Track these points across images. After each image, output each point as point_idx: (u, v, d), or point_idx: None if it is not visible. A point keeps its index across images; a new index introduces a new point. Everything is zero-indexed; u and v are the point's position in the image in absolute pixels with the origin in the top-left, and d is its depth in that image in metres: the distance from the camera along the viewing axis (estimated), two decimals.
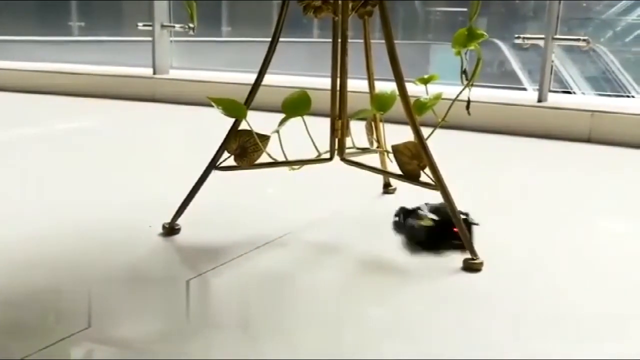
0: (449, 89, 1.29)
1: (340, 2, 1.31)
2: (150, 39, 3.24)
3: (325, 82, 1.38)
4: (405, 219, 1.29)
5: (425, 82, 1.33)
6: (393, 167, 1.31)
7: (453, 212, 1.17)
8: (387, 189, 1.61)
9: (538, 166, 2.00)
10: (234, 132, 1.26)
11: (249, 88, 1.27)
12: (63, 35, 5.54)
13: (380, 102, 1.37)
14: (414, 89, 1.27)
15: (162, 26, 3.25)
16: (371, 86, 1.46)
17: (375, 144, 1.50)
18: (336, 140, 1.35)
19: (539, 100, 2.53)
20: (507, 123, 2.47)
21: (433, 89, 1.31)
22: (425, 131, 1.21)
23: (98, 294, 1.04)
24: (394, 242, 1.29)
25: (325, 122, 1.34)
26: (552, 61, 2.57)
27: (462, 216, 1.19)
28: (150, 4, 3.22)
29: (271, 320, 0.96)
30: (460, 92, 1.21)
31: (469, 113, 1.24)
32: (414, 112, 1.21)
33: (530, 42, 2.66)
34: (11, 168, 1.85)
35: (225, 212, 1.44)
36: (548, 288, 1.09)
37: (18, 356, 0.83)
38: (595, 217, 1.49)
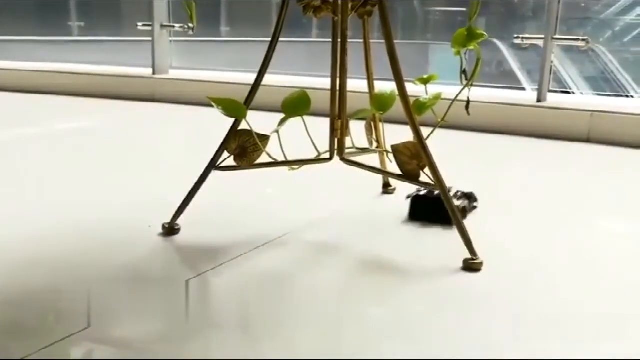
0: (449, 89, 1.29)
1: (340, 2, 1.31)
2: (149, 39, 3.24)
3: (325, 82, 1.38)
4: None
5: (425, 82, 1.33)
6: (393, 167, 1.31)
7: (453, 212, 1.17)
8: (387, 189, 1.61)
9: (537, 166, 2.00)
10: (233, 132, 1.26)
11: (248, 88, 1.27)
12: (62, 35, 5.54)
13: (380, 102, 1.37)
14: (414, 89, 1.27)
15: (162, 26, 3.25)
16: (371, 86, 1.46)
17: (374, 144, 1.50)
18: (336, 140, 1.35)
19: (538, 100, 2.53)
20: (506, 123, 2.47)
21: (433, 89, 1.31)
22: (424, 131, 1.21)
23: (98, 294, 1.04)
24: (394, 242, 1.29)
25: (325, 122, 1.34)
26: (552, 61, 2.57)
27: (467, 196, 1.40)
28: (150, 4, 3.22)
29: (271, 320, 0.96)
30: (460, 92, 1.22)
31: (468, 113, 1.24)
32: (414, 112, 1.21)
33: (529, 42, 2.66)
34: (11, 168, 1.85)
35: (225, 212, 1.45)
36: (548, 288, 1.09)
37: (18, 356, 0.83)
38: (594, 217, 1.49)
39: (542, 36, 2.55)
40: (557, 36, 2.54)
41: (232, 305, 1.02)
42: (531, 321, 0.96)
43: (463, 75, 1.22)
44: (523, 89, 4.59)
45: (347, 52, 1.32)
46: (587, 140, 2.36)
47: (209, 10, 6.09)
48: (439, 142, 1.27)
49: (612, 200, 1.63)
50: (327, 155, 1.36)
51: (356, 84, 1.47)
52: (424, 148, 1.19)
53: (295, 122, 1.27)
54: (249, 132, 1.26)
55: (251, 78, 1.28)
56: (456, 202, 1.34)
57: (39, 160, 1.94)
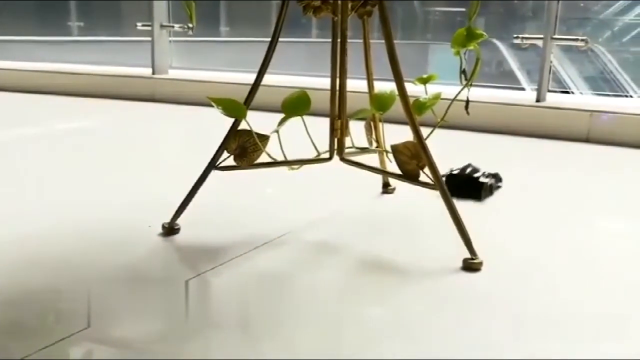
0: (448, 89, 1.29)
1: (339, 2, 1.31)
2: (149, 39, 3.24)
3: (325, 82, 1.38)
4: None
5: (425, 81, 1.33)
6: (392, 166, 1.31)
7: (453, 212, 1.17)
8: (387, 188, 1.61)
9: (537, 166, 2.00)
10: (233, 131, 1.26)
11: (248, 88, 1.27)
12: (62, 35, 5.54)
13: (380, 102, 1.37)
14: (413, 89, 1.27)
15: (161, 26, 3.25)
16: (370, 86, 1.46)
17: (374, 144, 1.50)
18: (335, 140, 1.35)
19: (538, 100, 2.53)
20: (505, 123, 2.47)
21: (432, 89, 1.31)
22: (424, 131, 1.21)
23: (98, 294, 1.04)
24: (394, 242, 1.29)
25: (325, 122, 1.34)
26: (551, 61, 2.57)
27: (492, 175, 1.62)
28: (149, 4, 3.22)
29: (271, 320, 0.96)
30: (460, 92, 1.22)
31: (467, 113, 1.24)
32: (413, 112, 1.21)
33: (528, 42, 2.66)
34: (11, 168, 1.85)
35: (224, 212, 1.45)
36: (548, 288, 1.09)
37: (18, 356, 0.83)
38: (594, 217, 1.49)
39: (542, 36, 2.55)
40: (556, 36, 2.54)
41: (232, 305, 1.02)
42: (531, 321, 0.96)
43: (462, 75, 1.22)
44: (522, 89, 4.59)
45: (347, 52, 1.33)
46: (587, 140, 2.36)
47: (208, 10, 6.09)
48: (438, 142, 1.27)
49: (612, 200, 1.63)
50: (327, 155, 1.36)
51: (356, 84, 1.47)
52: (424, 148, 1.19)
53: (295, 122, 1.27)
54: (248, 132, 1.26)
55: (251, 78, 1.28)
56: (484, 180, 1.57)
57: (39, 160, 1.94)
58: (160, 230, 1.29)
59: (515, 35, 2.69)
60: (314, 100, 1.29)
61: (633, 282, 1.12)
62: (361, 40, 1.43)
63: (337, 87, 1.34)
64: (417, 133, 1.19)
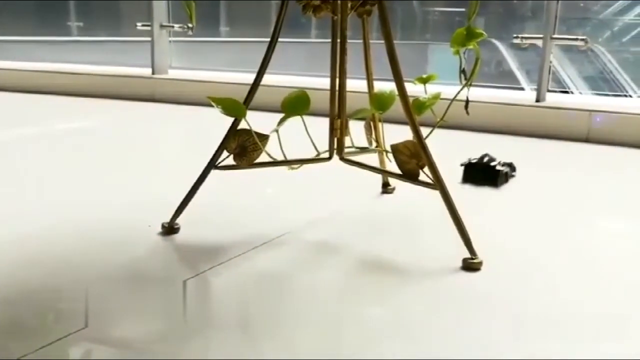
0: (448, 89, 1.29)
1: (339, 1, 1.31)
2: (149, 39, 3.24)
3: (325, 82, 1.38)
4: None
5: (424, 81, 1.33)
6: (392, 166, 1.31)
7: (453, 212, 1.17)
8: (386, 188, 1.61)
9: (537, 166, 2.00)
10: (233, 131, 1.26)
11: (248, 88, 1.27)
12: (62, 35, 5.54)
13: (379, 102, 1.37)
14: (413, 89, 1.27)
15: (161, 26, 3.25)
16: (370, 86, 1.46)
17: (374, 144, 1.50)
18: (335, 139, 1.35)
19: (537, 100, 2.53)
20: (505, 123, 2.47)
21: (432, 88, 1.31)
22: (424, 131, 1.21)
23: (97, 294, 1.04)
24: (394, 242, 1.29)
25: (325, 122, 1.34)
26: (551, 61, 2.57)
27: (508, 164, 1.76)
28: (149, 4, 3.22)
29: (270, 320, 0.96)
30: (459, 92, 1.22)
31: (467, 112, 1.24)
32: (413, 112, 1.21)
33: (528, 41, 2.66)
34: (11, 168, 1.85)
35: (224, 212, 1.45)
36: (548, 288, 1.09)
37: (17, 355, 0.83)
38: (594, 217, 1.49)
39: (541, 36, 2.55)
40: (556, 36, 2.54)
41: (231, 305, 1.02)
42: (531, 321, 0.96)
43: (462, 75, 1.22)
44: (522, 88, 4.58)
45: (347, 52, 1.33)
46: (586, 139, 2.36)
47: (208, 10, 6.09)
48: (438, 142, 1.27)
49: (612, 200, 1.63)
50: (327, 155, 1.36)
51: (355, 84, 1.47)
52: (423, 147, 1.19)
53: (294, 122, 1.27)
54: (248, 132, 1.26)
55: (251, 78, 1.28)
56: (500, 168, 1.71)
57: (39, 160, 1.94)
58: (160, 229, 1.29)
59: (515, 35, 2.69)
60: (314, 100, 1.29)
61: (633, 282, 1.12)
62: (361, 41, 1.43)
63: (337, 87, 1.34)
64: (416, 132, 1.19)
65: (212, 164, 1.27)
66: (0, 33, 4.24)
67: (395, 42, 1.20)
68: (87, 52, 4.97)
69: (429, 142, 1.20)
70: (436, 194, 1.18)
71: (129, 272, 1.12)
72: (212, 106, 1.21)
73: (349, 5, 1.32)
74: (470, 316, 0.98)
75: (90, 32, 5.69)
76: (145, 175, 1.78)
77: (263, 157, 1.29)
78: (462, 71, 1.22)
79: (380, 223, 1.41)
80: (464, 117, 1.26)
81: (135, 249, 1.22)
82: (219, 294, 1.06)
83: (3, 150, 2.08)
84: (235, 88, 2.72)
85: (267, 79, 1.28)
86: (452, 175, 1.52)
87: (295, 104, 1.28)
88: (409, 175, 1.25)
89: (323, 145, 1.35)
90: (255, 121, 1.26)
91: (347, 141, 1.38)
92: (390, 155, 1.28)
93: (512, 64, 6.26)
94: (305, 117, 1.28)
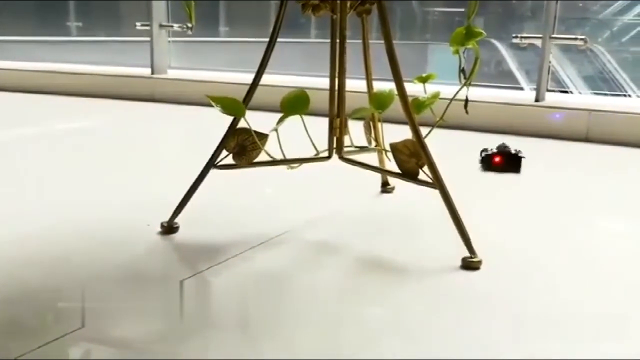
0: (448, 89, 1.29)
1: (338, 0, 1.31)
2: (148, 39, 3.23)
3: (324, 82, 1.38)
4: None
5: (424, 80, 1.33)
6: (391, 165, 1.31)
7: (452, 211, 1.17)
8: (386, 187, 1.61)
9: (536, 165, 2.00)
10: (232, 130, 1.25)
11: (247, 88, 1.26)
12: (61, 35, 5.54)
13: (379, 101, 1.37)
14: (412, 88, 1.27)
15: (160, 26, 3.24)
16: (369, 85, 1.46)
17: (373, 143, 1.50)
18: (335, 138, 1.35)
19: (537, 100, 2.53)
20: (504, 122, 2.47)
21: (431, 88, 1.31)
22: (423, 130, 1.21)
23: (96, 293, 1.04)
24: (394, 242, 1.29)
25: (324, 122, 1.34)
26: (550, 61, 2.57)
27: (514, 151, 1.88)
28: (148, 4, 3.22)
29: (270, 320, 0.96)
30: (458, 91, 1.22)
31: (467, 112, 1.24)
32: (412, 111, 1.21)
33: (527, 41, 2.66)
34: (11, 168, 1.84)
35: (223, 211, 1.44)
36: (548, 288, 1.09)
37: (15, 354, 0.83)
38: (594, 217, 1.49)
39: (541, 36, 2.55)
40: (555, 36, 2.54)
41: (230, 304, 1.02)
42: (531, 321, 0.96)
43: (461, 74, 1.22)
44: (521, 88, 4.59)
45: (346, 51, 1.32)
46: (586, 139, 2.36)
47: (207, 10, 6.08)
48: (438, 142, 1.27)
49: (612, 200, 1.63)
50: (326, 154, 1.36)
51: (355, 84, 1.47)
52: (423, 146, 1.19)
53: (294, 121, 1.27)
54: (247, 131, 1.26)
55: (250, 78, 1.28)
56: (521, 155, 1.86)
57: (39, 160, 1.94)
58: (159, 229, 1.29)
59: (514, 35, 2.69)
60: (313, 100, 1.29)
61: (633, 282, 1.12)
62: (360, 41, 1.43)
63: (336, 87, 1.34)
64: (416, 132, 1.19)
65: (212, 163, 1.27)
66: (0, 33, 4.24)
67: (394, 41, 1.20)
68: (87, 52, 4.97)
69: (428, 142, 1.20)
70: (436, 193, 1.18)
71: (128, 272, 1.12)
72: (211, 106, 1.21)
73: (348, 4, 1.32)
74: (470, 316, 0.98)
75: (90, 32, 5.69)
76: (145, 175, 1.78)
77: (262, 157, 1.29)
78: (462, 70, 1.22)
79: (380, 222, 1.41)
80: (464, 116, 1.26)
81: (135, 249, 1.22)
82: (219, 293, 1.06)
83: (3, 150, 2.08)
84: (234, 88, 2.72)
85: (266, 78, 1.28)
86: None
87: (295, 104, 1.28)
88: (409, 175, 1.25)
89: (322, 144, 1.34)
90: (255, 121, 1.26)
91: (346, 140, 1.38)
92: (390, 155, 1.28)
93: (512, 63, 6.26)
94: (305, 117, 1.28)
